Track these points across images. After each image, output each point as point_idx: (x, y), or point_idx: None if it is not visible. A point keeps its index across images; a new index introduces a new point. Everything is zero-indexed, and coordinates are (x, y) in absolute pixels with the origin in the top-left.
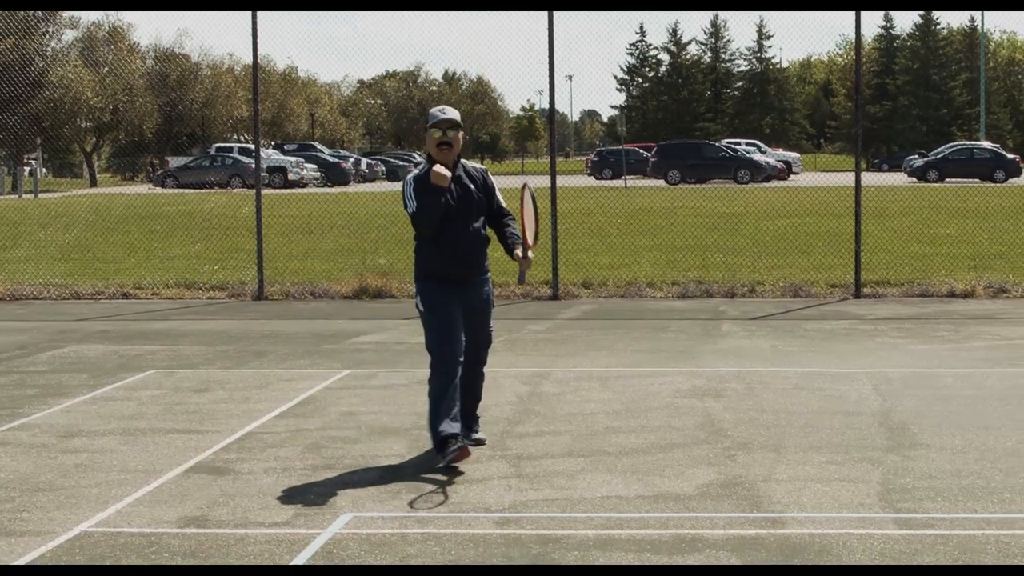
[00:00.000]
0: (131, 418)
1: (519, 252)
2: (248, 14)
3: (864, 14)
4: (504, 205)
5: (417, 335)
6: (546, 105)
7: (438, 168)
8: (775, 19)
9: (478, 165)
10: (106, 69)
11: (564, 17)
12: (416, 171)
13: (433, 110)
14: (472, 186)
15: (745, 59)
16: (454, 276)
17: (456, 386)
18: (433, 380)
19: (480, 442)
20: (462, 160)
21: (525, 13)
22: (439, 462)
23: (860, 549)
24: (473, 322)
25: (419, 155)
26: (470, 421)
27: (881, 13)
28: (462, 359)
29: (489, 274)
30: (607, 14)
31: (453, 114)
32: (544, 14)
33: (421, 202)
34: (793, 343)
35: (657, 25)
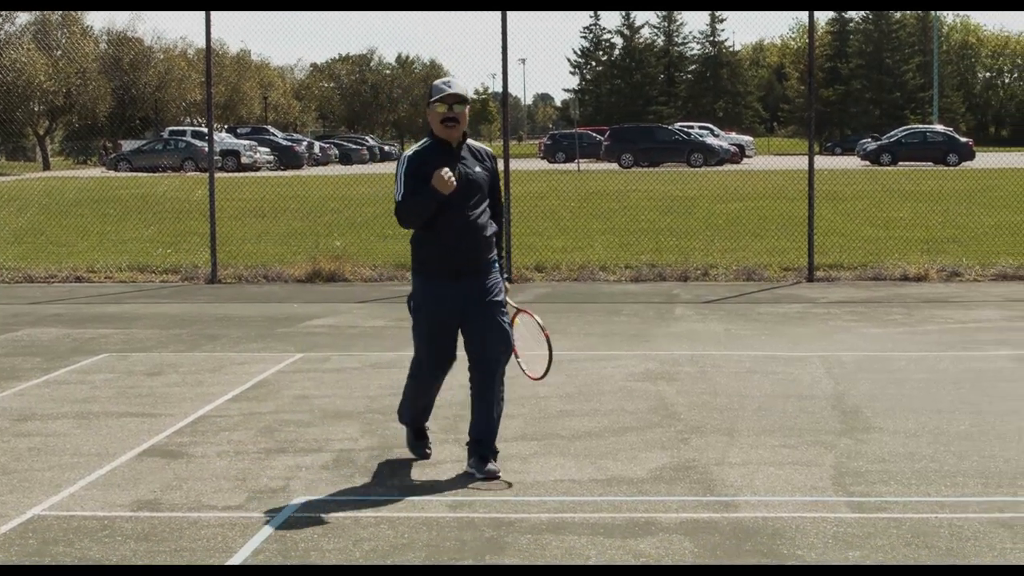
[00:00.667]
0: (84, 401)
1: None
2: None
3: None
4: (500, 200)
5: (371, 318)
6: (499, 88)
7: (442, 173)
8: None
9: (484, 146)
10: (59, 52)
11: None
12: (415, 147)
13: (437, 82)
14: (478, 168)
15: (698, 42)
16: (452, 270)
17: (430, 394)
18: (409, 381)
19: (492, 475)
20: (468, 139)
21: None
22: (409, 453)
23: (813, 532)
24: (478, 316)
25: (372, 138)
26: (482, 448)
27: None
28: (445, 372)
29: (497, 264)
30: None
31: (460, 87)
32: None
33: (410, 194)
34: (746, 326)
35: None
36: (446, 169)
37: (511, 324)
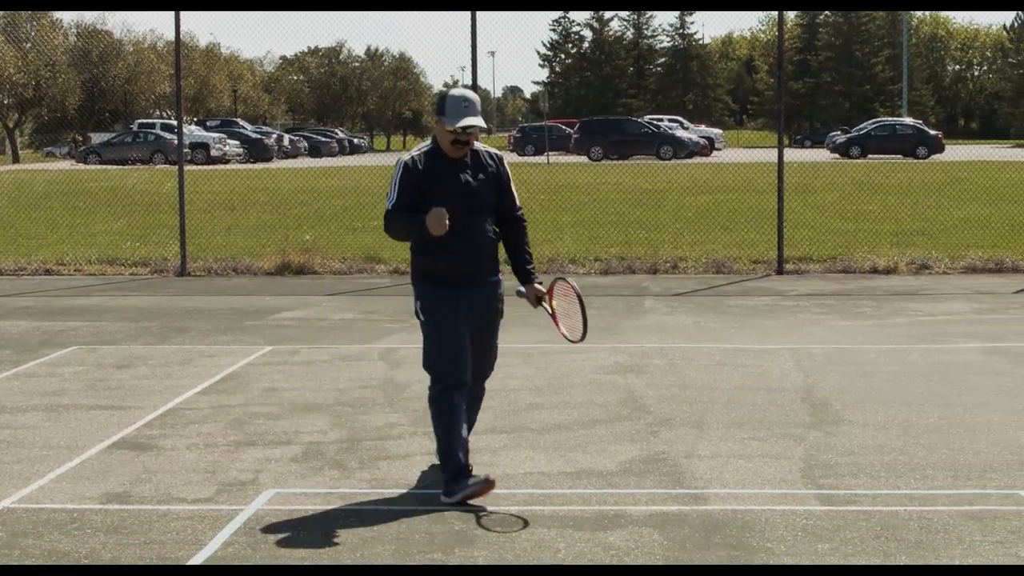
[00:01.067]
0: (54, 394)
1: (536, 288)
2: None
3: None
4: (518, 202)
5: (340, 310)
6: (469, 81)
7: (436, 214)
8: None
9: (493, 150)
10: (28, 45)
11: None
12: (415, 152)
13: (454, 96)
14: (483, 176)
15: (668, 35)
16: (458, 276)
17: (463, 412)
18: (434, 409)
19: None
20: (475, 143)
21: None
22: (453, 497)
23: (783, 525)
24: (480, 333)
25: (341, 131)
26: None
27: None
28: (469, 380)
29: (500, 276)
30: None
31: (477, 115)
32: None
33: (400, 209)
34: (716, 319)
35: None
36: (444, 214)
37: (550, 309)
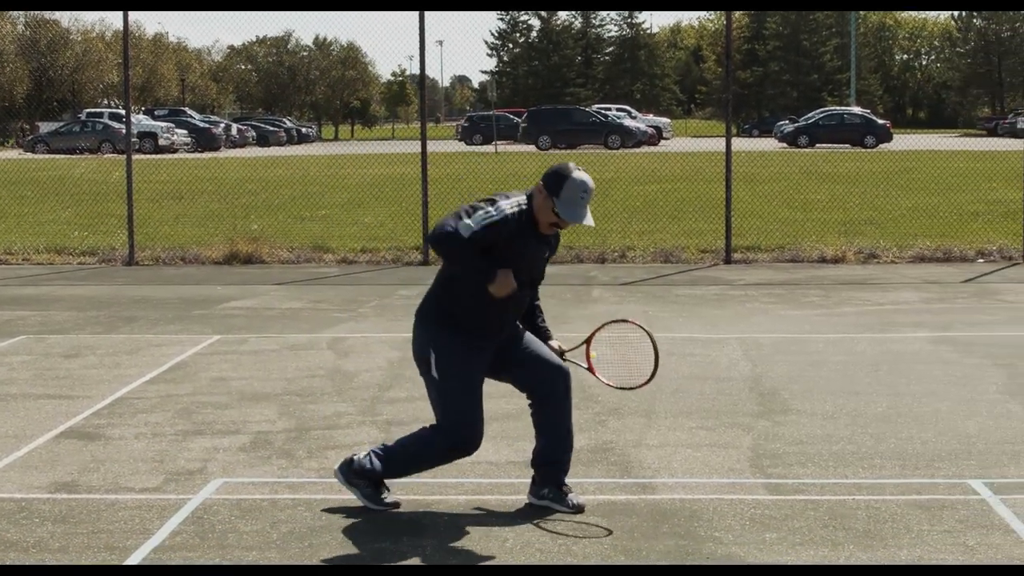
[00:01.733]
0: (1, 383)
1: (553, 346)
2: None
3: None
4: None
5: (288, 299)
6: (417, 70)
7: (506, 279)
8: None
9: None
10: None
11: None
12: (515, 209)
13: (575, 179)
14: (547, 253)
15: (616, 24)
16: (492, 337)
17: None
18: (424, 452)
19: (579, 508)
20: None
21: None
22: (343, 480)
23: (731, 514)
24: (520, 349)
25: (289, 120)
26: (558, 474)
27: None
28: (469, 450)
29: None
30: None
31: (589, 214)
32: None
33: (474, 253)
34: (664, 309)
35: None
36: (512, 282)
37: (586, 364)
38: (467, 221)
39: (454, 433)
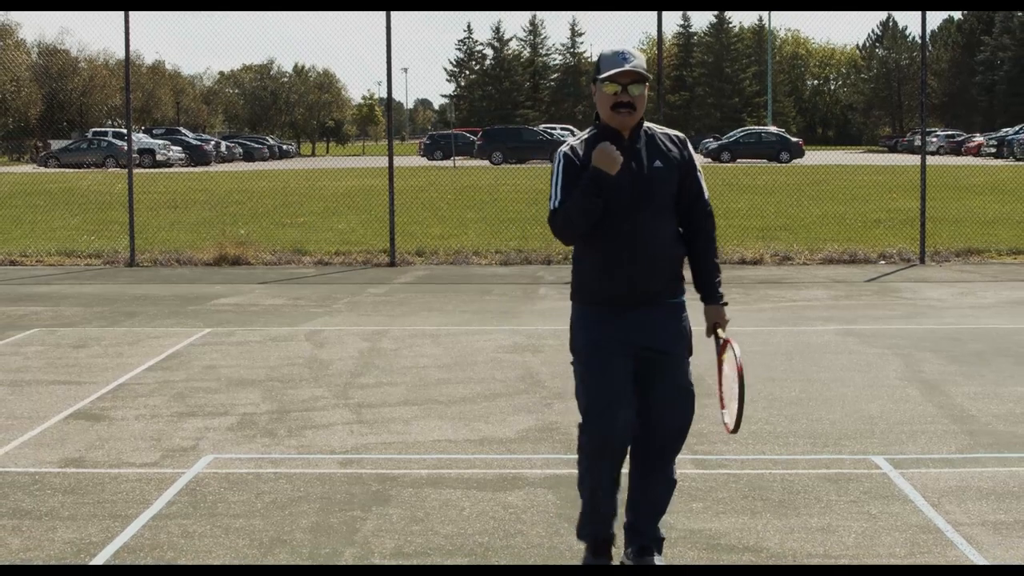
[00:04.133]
0: (17, 371)
1: (718, 311)
2: (122, 14)
3: (665, 14)
4: (706, 194)
5: (271, 297)
6: (384, 94)
7: (605, 147)
8: (587, 18)
9: (674, 132)
10: None
11: (400, 16)
12: (574, 140)
13: (607, 52)
14: (660, 163)
15: (560, 54)
16: (621, 300)
17: (613, 478)
18: (581, 465)
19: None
20: (648, 125)
21: (366, 13)
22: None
23: None
24: (652, 374)
25: (272, 138)
26: (642, 538)
27: (680, 13)
28: (629, 435)
29: (684, 298)
30: (439, 15)
31: (639, 61)
32: (383, 15)
33: (567, 198)
34: None
35: (483, 24)
36: (612, 150)
37: (719, 361)
38: (551, 203)
39: (587, 423)
